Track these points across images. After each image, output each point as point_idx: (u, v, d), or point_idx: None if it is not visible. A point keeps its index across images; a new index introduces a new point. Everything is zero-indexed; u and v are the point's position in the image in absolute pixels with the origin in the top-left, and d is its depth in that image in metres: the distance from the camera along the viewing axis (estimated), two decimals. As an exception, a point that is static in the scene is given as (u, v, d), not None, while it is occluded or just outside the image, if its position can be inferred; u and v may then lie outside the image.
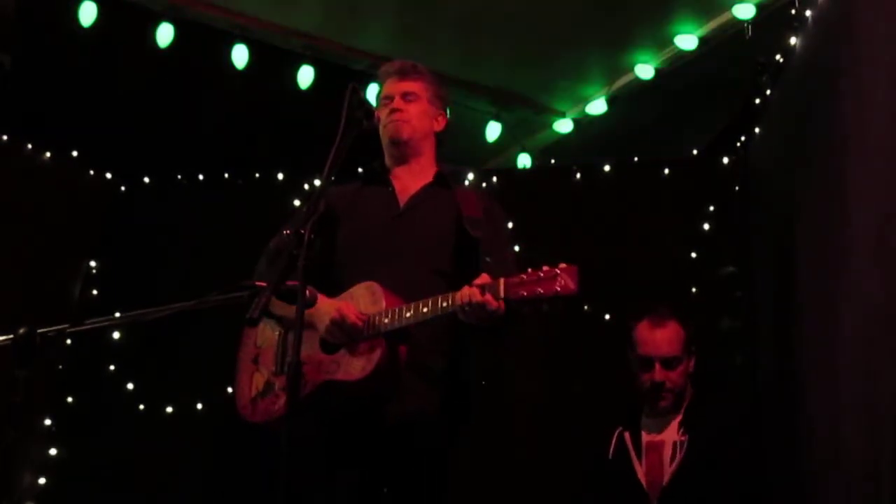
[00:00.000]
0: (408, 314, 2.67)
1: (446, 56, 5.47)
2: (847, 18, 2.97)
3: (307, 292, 2.39)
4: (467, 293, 2.58)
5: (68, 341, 4.82)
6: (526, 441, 4.47)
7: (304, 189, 5.01)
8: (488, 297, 2.56)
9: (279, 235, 3.08)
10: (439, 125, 3.15)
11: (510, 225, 4.38)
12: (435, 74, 3.23)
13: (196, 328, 4.27)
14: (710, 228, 4.56)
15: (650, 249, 4.59)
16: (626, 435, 3.52)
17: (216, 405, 4.63)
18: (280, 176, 5.17)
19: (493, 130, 5.98)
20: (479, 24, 5.32)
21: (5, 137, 4.92)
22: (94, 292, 5.13)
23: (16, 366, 2.31)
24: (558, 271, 2.49)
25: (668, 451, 3.41)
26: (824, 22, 3.35)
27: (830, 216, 3.00)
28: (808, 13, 3.53)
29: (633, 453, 3.47)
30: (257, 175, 5.24)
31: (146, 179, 5.34)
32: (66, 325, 2.44)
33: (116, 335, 4.95)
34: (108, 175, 5.32)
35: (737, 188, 4.58)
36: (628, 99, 5.81)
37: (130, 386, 4.91)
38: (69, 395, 4.94)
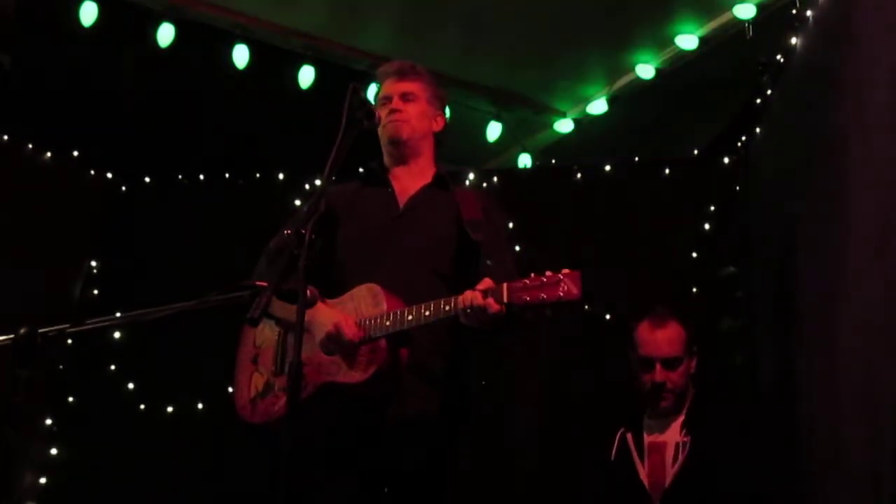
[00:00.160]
0: (409, 317, 2.67)
1: (446, 56, 5.47)
2: (847, 18, 2.97)
3: (308, 292, 2.39)
4: (469, 297, 2.57)
5: (69, 341, 4.82)
6: (527, 441, 4.47)
7: (304, 189, 5.02)
8: (490, 300, 2.55)
9: (279, 235, 3.07)
10: (438, 125, 3.15)
11: (511, 225, 4.41)
12: (434, 74, 3.23)
13: (196, 328, 4.27)
14: (711, 228, 4.56)
15: (651, 249, 4.59)
16: (629, 436, 3.52)
17: (216, 405, 4.63)
18: (281, 176, 5.18)
19: (494, 130, 5.98)
20: (479, 24, 5.32)
21: (5, 137, 4.92)
22: (95, 292, 5.14)
23: (16, 366, 2.31)
24: (561, 276, 2.49)
25: (670, 452, 3.40)
26: (825, 22, 3.35)
27: (831, 216, 3.00)
28: (808, 13, 3.53)
29: (635, 454, 3.47)
30: (258, 175, 5.24)
31: (147, 179, 5.35)
32: (66, 325, 2.44)
33: (117, 335, 4.95)
34: (109, 175, 5.32)
35: (737, 188, 4.58)
36: (629, 99, 5.81)
37: (131, 386, 4.92)
38: (70, 394, 4.94)
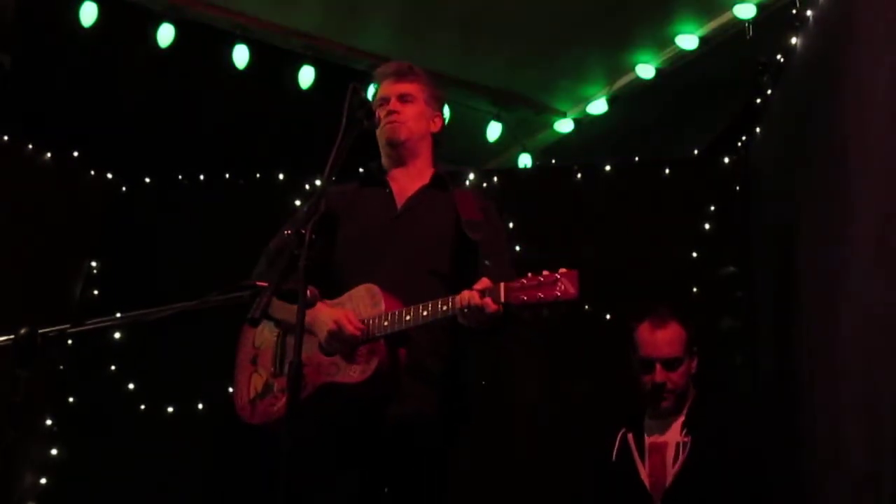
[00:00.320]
0: (407, 317, 2.67)
1: (447, 56, 5.48)
2: (848, 18, 2.97)
3: (308, 292, 2.39)
4: (467, 297, 2.58)
5: (69, 341, 4.81)
6: (527, 442, 4.47)
7: (304, 189, 5.01)
8: (488, 300, 2.55)
9: (279, 236, 3.08)
10: (436, 126, 3.15)
11: (511, 225, 4.41)
12: (434, 75, 3.23)
13: (197, 328, 4.26)
14: (711, 228, 4.56)
15: (651, 249, 4.59)
16: (630, 436, 3.52)
17: (217, 405, 4.63)
18: (281, 176, 5.17)
19: (494, 130, 5.98)
20: (479, 24, 5.32)
21: (6, 137, 4.92)
22: (95, 292, 5.14)
23: (17, 366, 2.31)
24: (558, 276, 2.49)
25: (671, 453, 3.40)
26: (825, 22, 3.35)
27: (831, 216, 3.00)
28: (808, 13, 3.53)
29: (636, 454, 3.46)
30: (258, 175, 5.24)
31: (147, 179, 5.34)
32: (66, 325, 2.44)
33: (117, 335, 4.95)
34: (109, 175, 5.32)
35: (738, 188, 4.58)
36: (629, 99, 5.81)
37: (131, 386, 4.91)
38: (70, 395, 4.94)
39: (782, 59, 3.84)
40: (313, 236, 2.33)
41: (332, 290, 2.85)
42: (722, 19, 5.12)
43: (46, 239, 4.94)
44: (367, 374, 2.69)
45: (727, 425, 3.44)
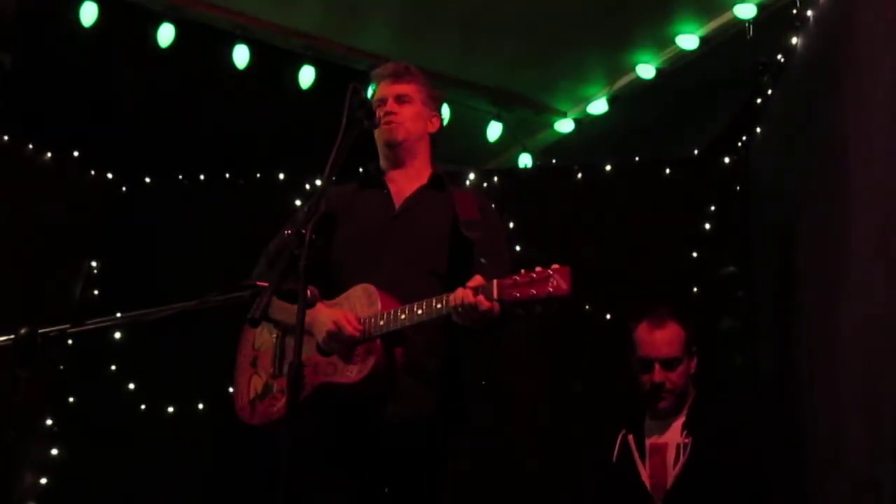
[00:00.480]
0: (402, 316, 2.68)
1: (447, 56, 5.48)
2: (848, 18, 2.97)
3: (308, 292, 2.39)
4: (460, 295, 2.58)
5: (69, 341, 4.82)
6: (527, 442, 4.47)
7: (304, 189, 5.02)
8: (481, 298, 2.56)
9: (279, 236, 3.08)
10: (433, 126, 3.16)
11: (511, 225, 4.41)
12: (434, 75, 3.23)
13: (197, 328, 4.27)
14: (711, 228, 4.56)
15: (651, 249, 4.59)
16: (630, 438, 3.51)
17: (217, 405, 4.63)
18: (281, 176, 5.18)
19: (494, 130, 5.98)
20: (479, 24, 5.32)
21: (6, 137, 4.92)
22: (95, 292, 5.14)
23: (17, 366, 2.31)
24: (551, 272, 2.50)
25: (671, 454, 3.40)
26: (825, 22, 3.35)
27: (831, 216, 3.00)
28: (809, 13, 3.53)
29: (636, 456, 3.46)
30: (258, 175, 5.24)
31: (147, 179, 5.35)
32: (67, 325, 2.44)
33: (117, 335, 4.95)
34: (109, 175, 5.32)
35: (738, 188, 4.58)
36: (629, 99, 5.81)
37: (131, 386, 4.92)
38: (70, 395, 4.94)
39: (782, 59, 3.84)
40: (313, 236, 2.33)
41: (331, 290, 2.86)
42: (722, 19, 5.12)
43: (47, 239, 4.94)
44: (364, 374, 2.69)
45: (727, 426, 3.43)
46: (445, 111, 4.61)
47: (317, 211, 2.41)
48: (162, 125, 5.42)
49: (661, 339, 3.49)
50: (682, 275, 4.51)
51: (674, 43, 5.31)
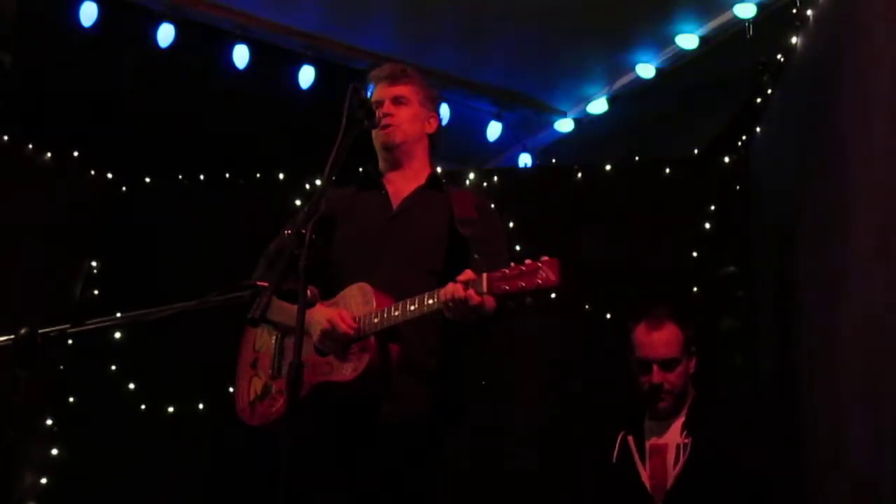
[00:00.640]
0: (395, 313, 2.69)
1: (447, 55, 5.47)
2: (848, 18, 2.97)
3: (309, 292, 2.40)
4: (451, 289, 2.59)
5: (69, 341, 4.82)
6: (527, 442, 4.47)
7: (305, 189, 5.02)
8: (471, 292, 2.56)
9: (280, 238, 3.08)
10: (431, 127, 3.16)
11: (511, 225, 4.41)
12: (430, 75, 3.23)
13: (197, 328, 4.27)
14: (712, 228, 4.56)
15: (651, 249, 4.59)
16: (630, 439, 3.51)
17: (217, 405, 4.63)
18: (281, 176, 5.18)
19: (494, 130, 5.98)
20: (479, 23, 5.32)
21: (6, 137, 4.92)
22: (95, 292, 5.14)
23: (17, 366, 2.31)
24: (540, 264, 2.50)
25: (671, 454, 3.39)
26: (825, 22, 3.35)
27: (831, 216, 3.00)
28: (809, 12, 3.53)
29: (636, 457, 3.46)
30: (258, 175, 5.24)
31: (147, 179, 5.35)
32: (67, 325, 2.44)
33: (118, 335, 4.95)
34: (109, 175, 5.32)
35: (738, 188, 4.58)
36: (629, 98, 5.81)
37: (132, 386, 4.91)
38: (70, 395, 4.94)
39: (782, 59, 3.84)
40: (313, 236, 2.33)
41: (331, 291, 2.86)
42: (722, 19, 5.12)
43: (47, 239, 4.94)
44: (359, 371, 2.70)
45: (727, 426, 3.43)
46: (445, 111, 4.60)
47: (317, 211, 2.42)
48: (162, 125, 5.42)
49: (658, 340, 3.49)
50: (682, 275, 4.51)
51: (674, 42, 5.31)
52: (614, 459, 3.53)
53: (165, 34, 5.14)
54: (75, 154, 5.20)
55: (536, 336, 4.51)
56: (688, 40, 5.25)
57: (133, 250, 5.12)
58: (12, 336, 2.33)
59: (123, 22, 5.15)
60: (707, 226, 4.57)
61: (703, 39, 5.24)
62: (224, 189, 5.25)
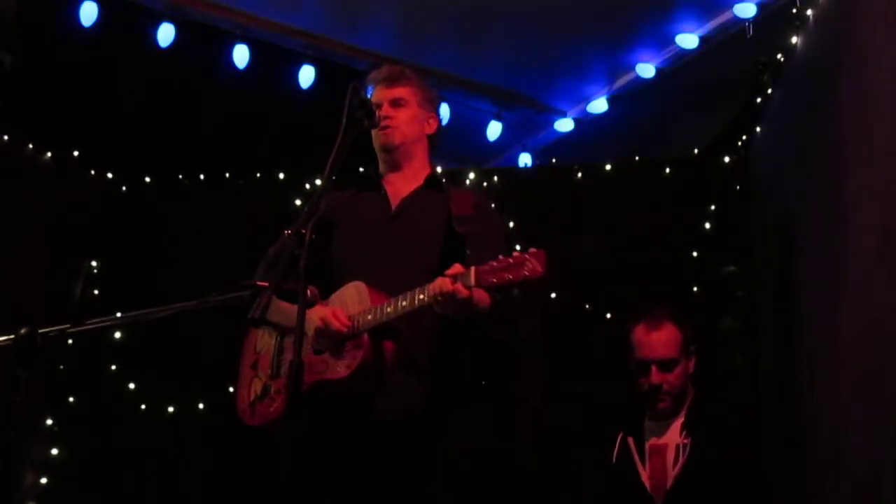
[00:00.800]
0: (388, 309, 2.70)
1: (447, 55, 5.47)
2: (848, 18, 2.97)
3: (309, 292, 2.40)
4: (439, 283, 2.59)
5: (69, 341, 4.82)
6: (527, 442, 4.47)
7: (305, 189, 5.02)
8: (459, 286, 2.56)
9: (280, 241, 3.09)
10: (431, 128, 3.16)
11: (511, 225, 4.41)
12: (430, 75, 3.23)
13: (197, 328, 4.27)
14: (712, 228, 4.56)
15: (651, 248, 4.59)
16: (630, 439, 3.51)
17: (217, 405, 4.63)
18: (281, 175, 5.18)
19: (494, 130, 5.98)
20: (479, 23, 5.32)
21: (6, 137, 4.93)
22: (95, 292, 5.14)
23: (17, 366, 2.31)
24: (527, 257, 2.52)
25: (671, 455, 3.40)
26: (826, 21, 3.35)
27: (831, 216, 3.00)
28: (809, 12, 3.53)
29: (636, 457, 3.46)
30: (258, 175, 5.24)
31: (147, 179, 5.35)
32: (67, 325, 2.44)
33: (118, 335, 4.95)
34: (109, 175, 5.32)
35: (738, 187, 4.58)
36: (629, 98, 5.80)
37: (132, 386, 4.92)
38: (70, 395, 4.94)
39: (782, 59, 3.84)
40: (313, 236, 2.33)
41: (331, 291, 2.87)
42: (722, 18, 5.11)
43: (47, 239, 4.94)
44: (353, 368, 2.71)
45: (727, 426, 3.43)
46: (445, 111, 4.60)
47: (317, 211, 2.42)
48: (162, 125, 5.42)
49: (657, 340, 3.49)
50: (682, 275, 4.51)
51: (674, 42, 5.30)
52: (614, 460, 3.53)
53: (165, 34, 5.14)
54: (75, 154, 5.20)
55: (536, 336, 4.51)
56: (688, 40, 5.25)
57: (133, 250, 5.12)
58: (12, 336, 2.34)
59: (123, 22, 5.14)
60: (707, 226, 4.57)
61: (703, 39, 5.24)
62: (224, 189, 5.25)
